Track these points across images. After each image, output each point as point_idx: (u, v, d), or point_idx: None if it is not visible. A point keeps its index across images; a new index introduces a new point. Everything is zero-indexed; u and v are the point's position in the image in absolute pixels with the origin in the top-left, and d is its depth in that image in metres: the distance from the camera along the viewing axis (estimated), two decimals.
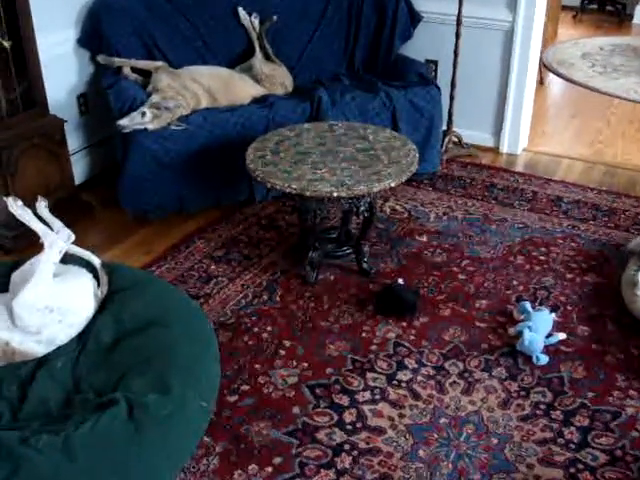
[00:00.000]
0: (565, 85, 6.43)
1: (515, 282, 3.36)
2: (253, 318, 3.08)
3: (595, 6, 8.97)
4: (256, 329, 3.01)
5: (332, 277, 3.37)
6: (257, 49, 4.28)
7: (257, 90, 4.12)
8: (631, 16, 8.76)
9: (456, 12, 4.27)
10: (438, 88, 4.16)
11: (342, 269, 3.42)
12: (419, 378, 2.76)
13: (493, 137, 4.77)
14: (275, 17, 4.32)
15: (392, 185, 3.03)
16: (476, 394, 2.69)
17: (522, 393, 2.70)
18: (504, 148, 4.76)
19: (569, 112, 5.71)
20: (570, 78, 6.46)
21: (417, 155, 3.24)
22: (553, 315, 3.06)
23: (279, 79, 4.25)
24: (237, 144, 3.59)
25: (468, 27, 4.35)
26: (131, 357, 2.20)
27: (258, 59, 4.25)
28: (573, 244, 3.69)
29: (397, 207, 3.99)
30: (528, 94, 4.65)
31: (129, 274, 2.60)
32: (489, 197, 4.16)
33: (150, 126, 3.57)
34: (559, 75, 6.55)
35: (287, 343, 2.93)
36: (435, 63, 4.65)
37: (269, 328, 3.02)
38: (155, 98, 3.67)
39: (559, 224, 3.88)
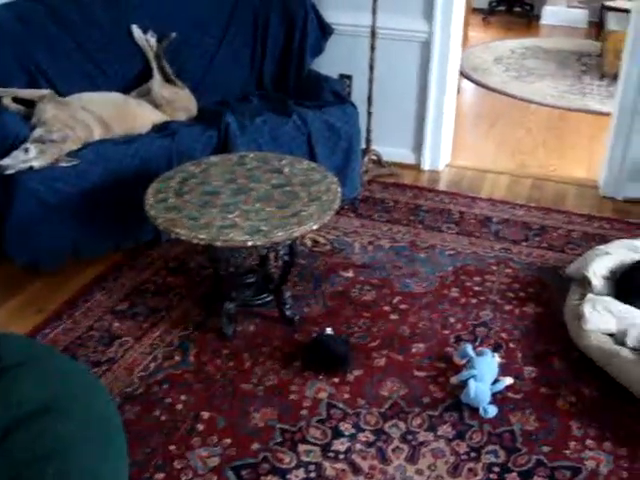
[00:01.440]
0: (479, 92, 6.27)
1: (452, 319, 3.09)
2: (164, 386, 2.69)
3: (503, 8, 8.92)
4: (169, 400, 2.62)
5: (252, 328, 3.01)
6: (155, 70, 3.87)
7: (157, 116, 3.71)
8: (538, 17, 8.75)
9: (370, 23, 3.98)
10: (354, 106, 3.86)
11: (263, 318, 3.07)
12: (358, 446, 2.44)
13: (414, 153, 4.52)
14: (174, 34, 3.92)
15: (314, 228, 2.69)
16: (423, 460, 2.39)
17: (472, 454, 2.42)
18: (426, 165, 4.52)
19: (488, 121, 5.53)
20: (487, 85, 6.30)
21: (339, 189, 2.92)
22: (497, 358, 2.81)
23: (181, 103, 3.85)
24: (136, 179, 3.19)
25: (383, 39, 4.07)
26: (23, 454, 1.80)
27: (157, 81, 3.84)
28: (508, 270, 3.46)
29: (319, 239, 3.67)
30: (448, 106, 4.42)
31: (17, 346, 2.17)
32: (415, 221, 3.89)
33: (36, 164, 3.11)
34: (475, 82, 6.39)
35: (205, 415, 2.55)
36: (349, 78, 4.35)
37: (183, 397, 2.63)
38: (39, 131, 3.21)
39: (491, 247, 3.65)
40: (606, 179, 4.24)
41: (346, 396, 2.65)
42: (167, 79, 3.88)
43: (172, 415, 2.55)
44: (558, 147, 5.03)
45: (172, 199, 2.79)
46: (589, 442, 2.49)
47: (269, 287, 3.13)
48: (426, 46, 4.17)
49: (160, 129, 3.59)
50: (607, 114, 5.30)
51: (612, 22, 6.76)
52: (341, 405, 2.61)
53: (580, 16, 8.58)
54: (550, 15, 8.67)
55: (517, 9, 8.94)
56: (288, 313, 3.02)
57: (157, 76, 3.85)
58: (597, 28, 8.06)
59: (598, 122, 5.42)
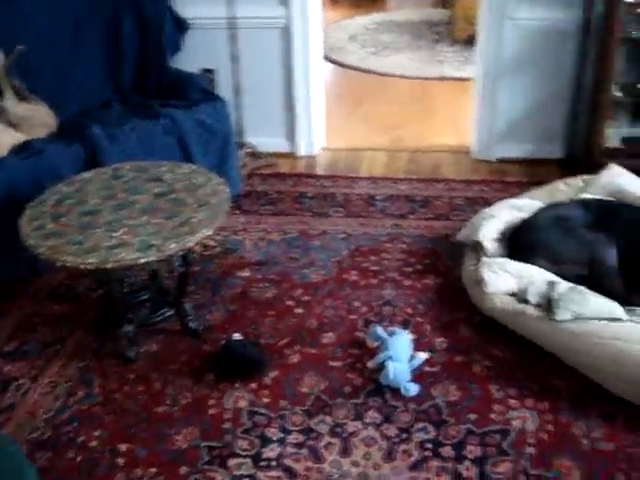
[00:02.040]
0: (339, 71, 6.28)
1: (356, 303, 3.07)
2: (73, 424, 2.50)
3: None
4: (81, 438, 2.44)
5: (156, 347, 2.85)
6: (6, 88, 3.58)
7: (14, 137, 3.44)
8: None
9: (227, 14, 3.87)
10: (223, 101, 3.75)
11: (165, 334, 2.92)
12: (289, 450, 2.37)
13: (288, 141, 4.46)
14: (22, 47, 3.64)
15: (208, 234, 2.58)
16: (356, 451, 2.35)
17: (404, 436, 2.41)
18: (301, 151, 4.47)
19: (353, 100, 5.55)
20: (347, 64, 6.32)
21: (227, 190, 2.82)
22: (409, 334, 2.81)
23: (39, 119, 3.60)
24: (3, 208, 2.95)
25: (243, 29, 3.99)
26: None
27: (9, 100, 3.55)
28: (401, 245, 3.48)
29: (208, 242, 3.54)
30: (316, 89, 4.39)
31: None
32: (301, 209, 3.84)
33: None
34: (334, 62, 6.39)
35: (123, 447, 2.40)
36: (212, 72, 4.22)
37: (96, 433, 2.46)
38: None
39: (381, 225, 3.66)
40: (477, 143, 4.36)
41: (267, 400, 2.57)
42: (20, 96, 3.61)
43: (88, 454, 2.38)
44: (425, 117, 5.12)
45: (50, 225, 2.59)
46: (511, 402, 2.54)
47: (166, 301, 2.99)
48: (286, 31, 4.11)
49: (20, 150, 3.33)
50: (465, 79, 5.47)
51: None
52: (263, 410, 2.53)
53: None
54: None
55: None
56: (191, 325, 2.90)
57: (9, 94, 3.57)
58: None
59: (458, 88, 5.56)
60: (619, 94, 3.88)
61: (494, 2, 4.01)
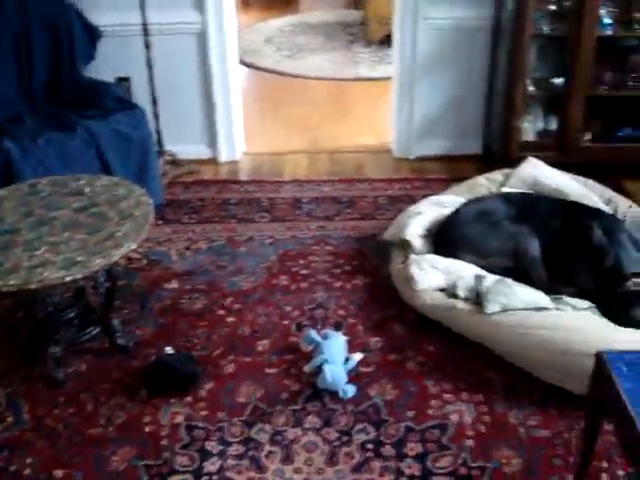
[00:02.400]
0: (256, 75, 6.24)
1: (288, 308, 3.06)
2: (4, 453, 2.38)
3: None
4: (13, 467, 2.33)
5: (85, 367, 2.76)
6: None
7: None
8: None
9: (141, 21, 3.78)
10: (141, 109, 3.67)
11: (94, 353, 2.82)
12: (230, 462, 2.33)
13: (209, 147, 4.41)
14: None
15: (133, 247, 2.51)
16: (298, 458, 2.34)
17: (344, 438, 2.41)
18: (223, 157, 4.42)
19: (272, 103, 5.52)
20: (263, 67, 6.29)
21: (150, 201, 2.75)
22: (343, 336, 2.81)
23: None
24: None
25: (157, 35, 3.90)
26: None
27: None
28: (328, 247, 3.48)
29: (132, 254, 3.45)
30: (235, 94, 4.35)
31: None
32: (226, 216, 3.80)
33: None
34: (250, 66, 6.34)
35: (59, 473, 2.30)
36: (128, 80, 4.12)
37: (29, 460, 2.35)
38: None
39: (307, 228, 3.65)
40: (397, 141, 4.41)
41: (204, 413, 2.52)
42: None
43: None
44: (345, 118, 5.15)
45: None
46: (447, 397, 2.58)
47: (93, 319, 2.89)
48: (202, 36, 4.05)
49: None
50: (381, 79, 5.52)
51: None
52: (201, 424, 2.48)
53: None
54: None
55: None
56: (120, 341, 2.82)
57: None
58: None
59: (375, 88, 5.61)
60: (532, 89, 3.98)
61: (408, 3, 4.06)
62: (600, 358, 2.00)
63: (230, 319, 3.00)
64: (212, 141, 4.38)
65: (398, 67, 4.26)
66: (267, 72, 6.22)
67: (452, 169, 4.23)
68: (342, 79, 5.98)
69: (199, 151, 4.38)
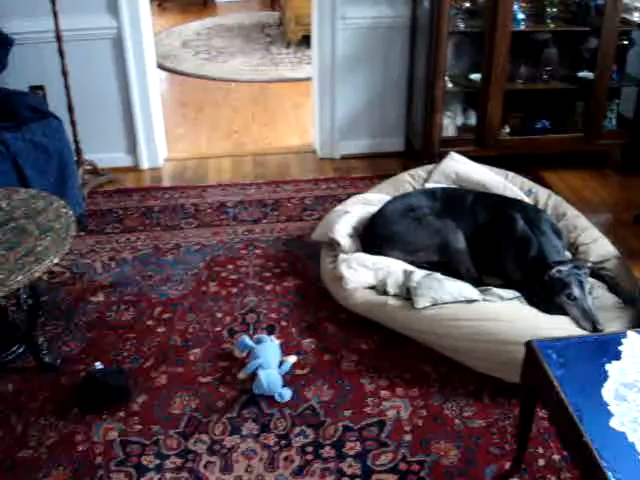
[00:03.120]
0: (176, 79, 6.16)
1: (219, 314, 3.01)
2: None
3: None
4: None
5: (11, 387, 2.64)
6: None
7: None
8: None
9: (53, 28, 3.66)
10: (58, 118, 3.56)
11: (20, 372, 2.71)
12: (168, 475, 2.27)
13: (130, 155, 4.31)
14: None
15: (56, 261, 2.42)
16: (238, 466, 2.30)
17: (283, 442, 2.39)
18: (145, 164, 4.34)
19: (194, 108, 5.45)
20: (183, 71, 6.20)
21: (70, 212, 2.66)
22: (276, 340, 2.79)
23: None
24: None
25: (71, 42, 3.78)
26: None
27: None
28: (257, 251, 3.45)
29: (55, 268, 3.34)
30: (154, 99, 4.27)
31: None
32: (151, 224, 3.72)
33: None
34: (170, 70, 6.25)
35: None
36: (42, 88, 3.99)
37: None
38: None
39: (234, 233, 3.61)
40: (321, 142, 4.42)
41: (138, 427, 2.46)
42: None
43: None
44: (268, 120, 5.13)
45: None
46: (383, 393, 2.59)
47: (17, 337, 2.78)
48: (118, 42, 3.96)
49: None
50: (302, 79, 5.53)
51: None
52: (135, 438, 2.42)
53: None
54: None
55: None
56: (47, 359, 2.72)
57: None
58: None
59: (296, 88, 5.62)
60: (451, 85, 4.05)
61: (324, 3, 4.07)
62: (530, 347, 2.04)
63: (160, 329, 2.94)
64: (133, 148, 4.29)
65: (317, 67, 4.27)
66: (187, 76, 6.14)
67: (377, 167, 4.27)
68: (264, 81, 5.96)
69: (120, 159, 4.29)
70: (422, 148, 4.07)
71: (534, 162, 4.23)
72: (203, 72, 6.15)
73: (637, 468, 1.66)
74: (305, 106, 4.88)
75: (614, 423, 1.78)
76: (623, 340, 2.07)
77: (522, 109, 4.30)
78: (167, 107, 5.31)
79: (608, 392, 1.88)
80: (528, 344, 2.05)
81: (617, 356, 2.01)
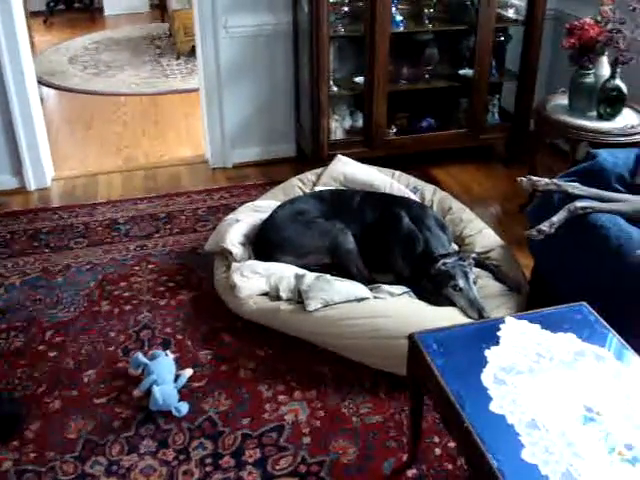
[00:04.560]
0: (64, 96, 6.00)
1: (113, 334, 2.96)
2: None
3: (63, 7, 8.60)
4: None
5: None
6: None
7: None
8: (101, 9, 8.61)
9: None
10: None
11: None
12: None
13: (15, 176, 4.17)
14: None
15: None
16: None
17: (182, 457, 2.37)
18: (32, 185, 4.20)
19: (82, 124, 5.32)
20: (70, 88, 6.05)
21: None
22: (170, 354, 2.76)
23: None
24: None
25: None
26: None
27: None
28: (150, 266, 3.41)
29: None
30: (37, 118, 4.15)
31: None
32: (40, 247, 3.61)
33: None
34: (57, 87, 6.08)
35: None
36: None
37: None
38: None
39: (126, 249, 3.55)
40: (212, 152, 4.40)
41: (33, 455, 2.39)
42: None
43: None
44: (159, 133, 5.07)
45: None
46: (281, 398, 2.61)
47: None
48: None
49: None
50: (193, 90, 5.48)
51: (174, 1, 6.91)
52: (31, 466, 2.34)
53: (141, 1, 8.66)
54: (112, 5, 8.56)
55: (77, 5, 8.70)
56: None
57: None
58: (160, 10, 8.20)
59: (188, 99, 5.58)
60: (336, 89, 4.10)
61: (206, 13, 4.05)
62: (412, 339, 2.10)
63: (52, 354, 2.86)
64: (18, 169, 4.15)
65: (203, 78, 4.25)
66: (75, 92, 6.00)
67: (269, 173, 4.28)
68: (154, 93, 5.89)
69: (4, 181, 4.15)
70: (312, 152, 4.11)
71: (423, 160, 4.34)
72: (91, 87, 6.02)
73: (517, 449, 1.73)
74: (196, 117, 4.85)
75: (493, 407, 1.85)
76: (501, 326, 2.15)
77: (408, 109, 4.41)
78: (54, 125, 5.21)
79: (487, 377, 1.95)
80: (410, 337, 2.10)
81: (496, 342, 2.09)
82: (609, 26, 3.50)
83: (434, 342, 2.07)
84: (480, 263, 3.02)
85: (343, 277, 2.94)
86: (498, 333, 2.11)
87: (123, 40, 7.43)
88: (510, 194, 4.11)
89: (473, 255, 2.96)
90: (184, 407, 2.54)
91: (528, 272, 3.19)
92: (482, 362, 2.00)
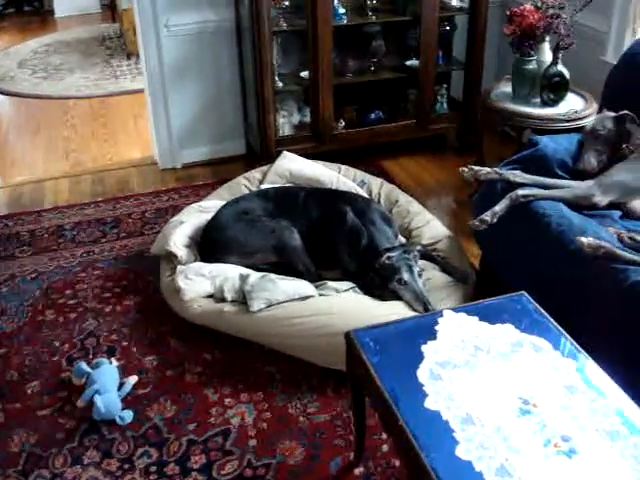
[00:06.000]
0: (12, 101, 5.88)
1: (57, 343, 2.90)
2: None
3: (13, 9, 8.44)
4: None
5: None
6: None
7: None
8: (52, 12, 8.44)
9: None
10: None
11: None
12: None
13: None
14: None
15: None
16: None
17: (126, 466, 2.34)
18: None
19: (30, 129, 5.22)
20: (19, 92, 5.94)
21: None
22: (114, 362, 2.72)
23: None
24: None
25: None
26: None
27: None
28: (96, 272, 3.35)
29: None
30: None
31: None
32: None
33: None
34: (4, 93, 5.97)
35: None
36: None
37: None
38: None
39: (72, 256, 3.49)
40: (161, 153, 4.34)
41: None
42: None
43: None
44: (108, 135, 4.99)
45: None
46: (228, 401, 2.58)
47: None
48: None
49: None
50: (142, 90, 5.39)
51: (123, 1, 6.78)
52: None
53: (92, 2, 8.50)
54: (62, 7, 8.38)
55: (28, 8, 8.55)
56: None
57: None
58: (111, 10, 8.08)
59: (138, 100, 5.47)
60: (281, 85, 4.06)
61: (146, 12, 3.98)
62: (349, 337, 2.07)
63: None
64: None
65: (147, 78, 4.18)
66: (24, 97, 5.88)
67: (219, 172, 4.23)
68: (104, 95, 5.80)
69: None
70: (260, 149, 4.07)
71: (375, 152, 4.32)
72: (40, 92, 5.90)
73: (451, 446, 1.70)
74: (146, 118, 4.77)
75: (428, 403, 1.83)
76: (439, 320, 2.13)
77: (356, 102, 4.38)
78: (1, 131, 5.11)
79: (423, 373, 1.93)
80: (347, 335, 2.08)
81: (433, 336, 2.06)
82: (550, 12, 3.50)
83: (370, 339, 2.05)
84: (426, 255, 3.01)
85: (291, 275, 2.91)
86: (436, 327, 2.09)
87: (73, 42, 7.30)
88: (462, 184, 4.07)
89: (418, 247, 2.95)
90: (128, 415, 2.50)
91: (478, 262, 3.19)
92: (418, 358, 1.97)
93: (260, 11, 3.71)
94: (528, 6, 3.53)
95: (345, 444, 2.39)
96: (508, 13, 3.58)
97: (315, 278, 2.95)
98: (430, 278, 2.89)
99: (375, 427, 2.39)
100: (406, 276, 2.74)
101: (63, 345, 2.89)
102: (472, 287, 2.93)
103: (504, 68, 4.43)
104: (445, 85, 4.51)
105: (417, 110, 4.31)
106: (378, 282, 2.83)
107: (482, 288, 2.93)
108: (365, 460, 2.32)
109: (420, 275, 2.79)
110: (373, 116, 4.33)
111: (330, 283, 2.86)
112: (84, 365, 2.66)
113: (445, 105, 4.49)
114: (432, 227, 3.24)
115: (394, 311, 2.63)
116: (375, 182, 3.56)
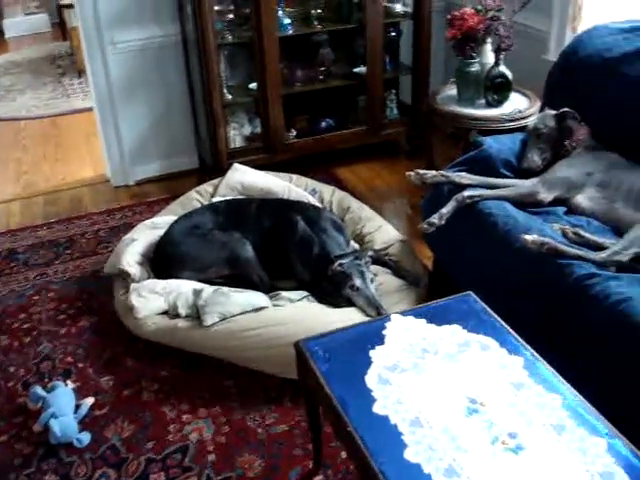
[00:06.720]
0: None
1: (12, 369, 2.87)
2: None
3: None
4: None
5: None
6: None
7: None
8: (2, 32, 8.34)
9: None
10: None
11: None
12: None
13: None
14: None
15: None
16: None
17: None
18: None
19: None
20: None
21: None
22: (70, 384, 2.70)
23: None
24: None
25: None
26: None
27: None
28: (50, 294, 3.32)
29: None
30: None
31: None
32: None
33: None
34: None
35: None
36: None
37: None
38: None
39: (25, 279, 3.45)
40: (113, 170, 4.32)
41: None
42: None
43: None
44: (60, 155, 4.95)
45: None
46: (185, 417, 2.57)
47: None
48: None
49: None
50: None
51: (72, 19, 6.73)
52: None
53: (42, 21, 8.42)
54: (12, 27, 8.30)
55: None
56: None
57: None
58: (61, 28, 8.01)
59: (89, 118, 5.40)
60: (230, 97, 4.06)
61: (90, 30, 3.97)
62: (298, 346, 2.08)
63: None
64: None
65: (95, 96, 4.16)
66: None
67: (173, 187, 4.21)
68: (56, 114, 5.75)
69: None
70: (212, 163, 4.07)
71: (328, 160, 4.34)
72: None
73: (400, 449, 1.71)
74: (97, 135, 4.75)
75: (377, 408, 1.84)
76: (387, 324, 2.15)
77: (307, 111, 4.40)
78: None
79: (371, 378, 1.94)
80: (296, 344, 2.09)
81: (381, 341, 2.08)
82: (490, 14, 3.56)
83: (319, 347, 2.06)
84: (379, 260, 3.04)
85: (246, 287, 2.91)
86: (383, 332, 2.11)
87: (24, 62, 7.24)
88: (414, 187, 4.12)
89: (370, 253, 2.98)
90: (86, 437, 2.49)
91: (431, 264, 3.23)
92: (367, 363, 1.99)
93: (205, 25, 3.71)
94: (468, 10, 3.58)
95: (304, 453, 2.40)
96: (448, 18, 3.63)
97: (269, 289, 2.96)
98: (382, 283, 2.91)
99: (332, 435, 2.40)
100: (358, 282, 2.76)
101: (18, 370, 2.86)
102: (425, 289, 2.96)
103: (451, 72, 4.46)
104: (394, 90, 4.55)
105: (368, 116, 4.34)
106: (331, 289, 2.85)
107: (436, 290, 2.96)
108: (325, 468, 2.33)
109: (372, 280, 2.82)
110: (324, 124, 4.36)
111: (284, 293, 2.87)
112: (39, 389, 2.64)
113: (395, 110, 4.54)
114: (384, 232, 3.27)
115: (348, 317, 2.65)
116: (327, 190, 3.58)
